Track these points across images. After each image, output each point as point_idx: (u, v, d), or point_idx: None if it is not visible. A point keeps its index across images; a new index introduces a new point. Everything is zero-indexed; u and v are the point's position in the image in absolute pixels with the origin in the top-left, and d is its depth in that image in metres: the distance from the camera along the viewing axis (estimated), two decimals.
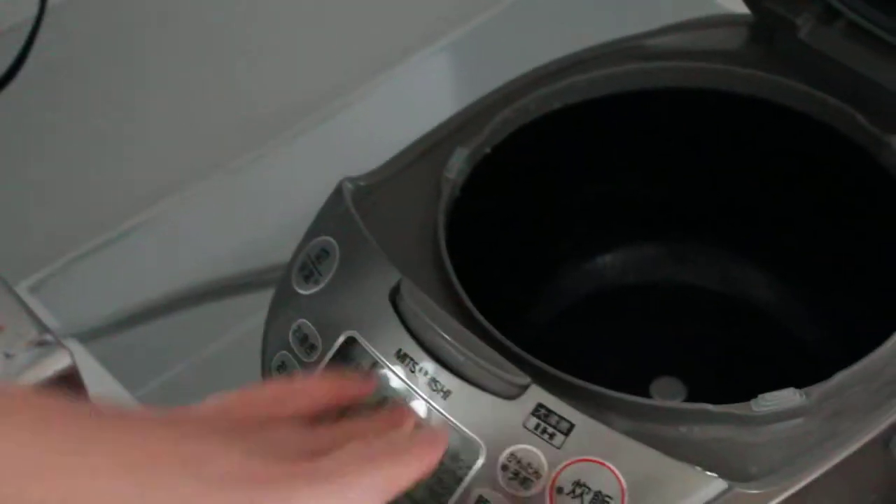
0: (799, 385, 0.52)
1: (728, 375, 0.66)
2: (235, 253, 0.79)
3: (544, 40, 0.73)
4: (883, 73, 0.62)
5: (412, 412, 0.50)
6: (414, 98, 0.85)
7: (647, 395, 0.66)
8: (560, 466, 0.48)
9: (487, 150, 0.62)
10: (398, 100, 0.86)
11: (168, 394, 0.76)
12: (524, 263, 0.69)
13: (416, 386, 0.51)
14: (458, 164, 0.60)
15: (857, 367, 0.52)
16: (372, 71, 0.87)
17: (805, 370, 0.53)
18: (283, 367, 0.54)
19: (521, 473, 0.49)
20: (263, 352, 0.56)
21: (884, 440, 0.52)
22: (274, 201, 0.78)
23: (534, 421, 0.49)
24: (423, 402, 0.51)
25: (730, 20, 0.67)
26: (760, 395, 0.51)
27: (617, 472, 0.48)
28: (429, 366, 0.51)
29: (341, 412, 0.51)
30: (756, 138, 0.66)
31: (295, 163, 0.82)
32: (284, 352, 0.54)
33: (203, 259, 0.78)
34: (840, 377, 0.52)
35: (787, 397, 0.51)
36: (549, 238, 0.70)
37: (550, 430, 0.49)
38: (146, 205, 0.79)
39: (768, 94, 0.64)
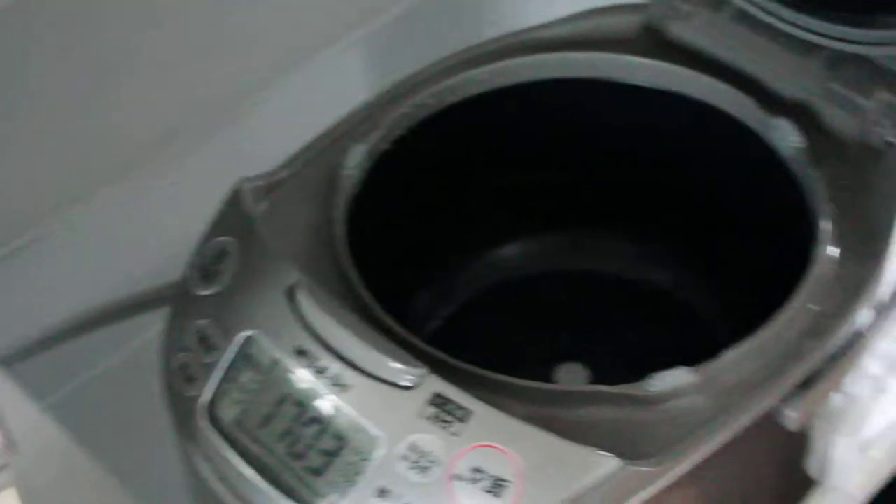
0: (698, 363, 0.53)
1: (630, 358, 0.67)
2: (142, 264, 0.78)
3: (451, 35, 0.74)
4: (771, 57, 0.63)
5: None
6: (322, 96, 0.85)
7: (550, 381, 0.67)
8: (457, 453, 0.49)
9: (386, 145, 0.63)
10: (305, 99, 0.86)
11: (79, 401, 0.76)
12: (426, 257, 0.70)
13: (316, 381, 0.52)
14: (355, 161, 0.61)
15: (745, 344, 0.53)
16: (277, 71, 0.86)
17: (704, 349, 0.54)
18: (183, 369, 0.55)
19: (420, 462, 0.49)
20: (164, 354, 0.56)
21: (774, 414, 0.53)
22: (179, 210, 0.77)
23: (431, 410, 0.50)
24: (324, 397, 0.51)
25: (624, 9, 0.68)
26: (652, 375, 0.52)
27: (513, 455, 0.49)
28: (327, 361, 0.51)
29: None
30: (651, 125, 0.67)
31: (201, 170, 0.82)
32: (184, 353, 0.55)
33: (106, 273, 0.78)
34: (730, 354, 0.53)
35: (678, 376, 0.52)
36: (450, 231, 0.71)
37: (448, 418, 0.50)
38: (45, 218, 0.78)
39: (661, 82, 0.65)
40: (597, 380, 0.54)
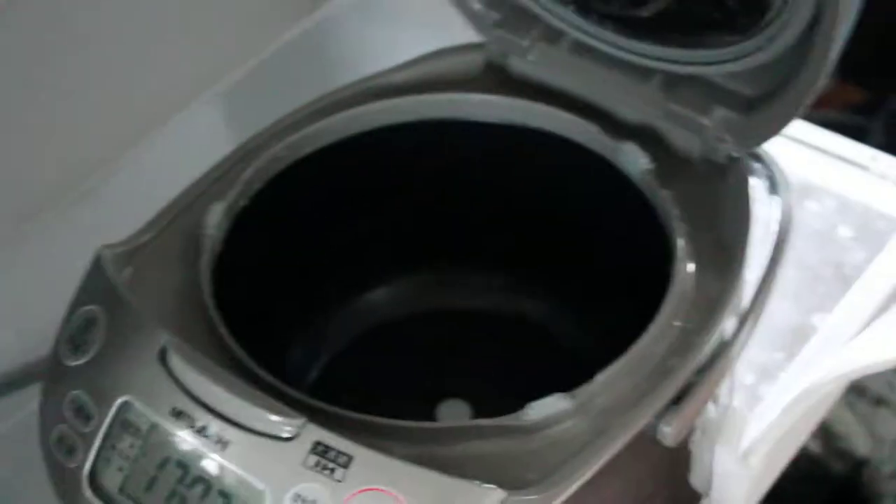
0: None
1: (509, 391, 0.67)
2: (8, 344, 0.77)
3: (304, 84, 0.74)
4: (611, 84, 0.65)
5: None
6: (179, 158, 0.85)
7: (433, 420, 0.67)
8: (343, 499, 0.49)
9: (244, 201, 0.63)
10: (162, 163, 0.86)
11: None
12: (295, 309, 0.70)
13: (195, 441, 0.51)
14: (214, 220, 0.61)
15: (616, 365, 0.54)
16: (131, 137, 0.86)
17: (580, 375, 0.55)
18: (61, 440, 0.54)
19: None
20: (41, 429, 0.56)
21: (651, 430, 0.54)
22: (44, 285, 0.77)
23: (313, 458, 0.50)
24: (204, 456, 0.51)
25: (466, 49, 0.69)
26: (528, 405, 0.53)
27: (399, 496, 0.49)
28: (205, 419, 0.51)
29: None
30: (504, 159, 0.68)
31: (62, 244, 0.81)
32: (61, 425, 0.54)
33: None
34: (602, 376, 0.54)
35: (553, 403, 0.53)
36: (318, 281, 0.71)
37: (331, 465, 0.50)
38: None
39: (508, 116, 0.66)
40: (479, 414, 0.55)
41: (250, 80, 0.91)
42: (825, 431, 1.08)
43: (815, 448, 1.07)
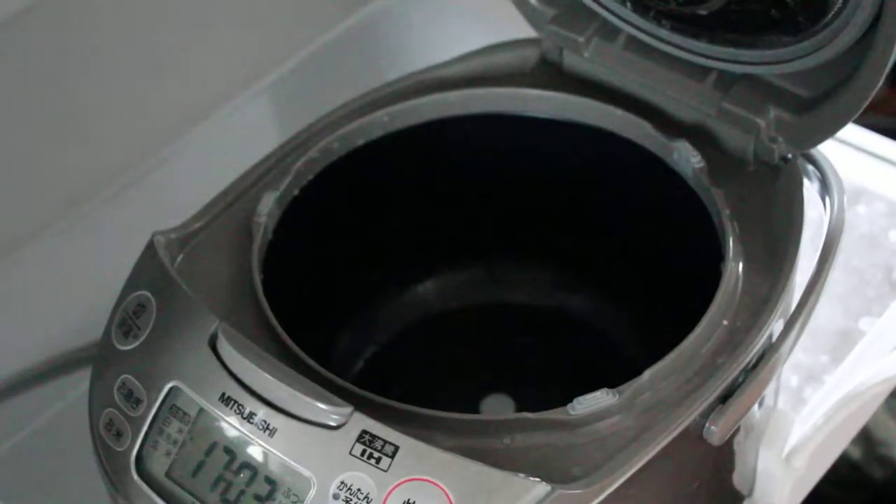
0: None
1: (553, 386, 0.68)
2: (61, 327, 0.78)
3: (354, 78, 0.75)
4: (665, 82, 0.65)
5: None
6: (231, 148, 0.86)
7: (476, 413, 0.68)
8: (389, 488, 0.49)
9: (296, 192, 0.63)
10: (214, 152, 0.87)
11: (8, 467, 0.76)
12: (345, 299, 0.71)
13: (243, 427, 0.52)
14: (266, 209, 0.61)
15: (664, 362, 0.54)
16: (184, 125, 0.87)
17: (624, 372, 0.55)
18: (110, 425, 0.55)
19: (352, 500, 0.50)
20: (90, 412, 0.56)
21: (697, 428, 0.54)
22: (96, 269, 0.77)
23: (359, 447, 0.50)
24: (251, 443, 0.52)
25: (519, 44, 0.69)
26: (576, 399, 0.53)
27: (444, 487, 0.49)
28: (253, 406, 0.52)
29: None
30: (555, 155, 0.68)
31: (115, 229, 0.82)
32: (111, 409, 0.55)
33: (24, 337, 0.78)
34: (649, 373, 0.54)
35: (600, 398, 0.53)
36: (367, 272, 0.71)
37: (377, 454, 0.50)
38: None
39: (560, 112, 0.66)
40: (522, 409, 0.55)
41: (301, 71, 0.91)
42: (866, 437, 1.08)
43: (856, 454, 1.07)
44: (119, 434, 0.54)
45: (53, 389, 0.76)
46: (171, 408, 0.53)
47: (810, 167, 0.63)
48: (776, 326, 0.57)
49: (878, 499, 1.10)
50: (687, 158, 0.62)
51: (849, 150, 0.86)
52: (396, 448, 0.50)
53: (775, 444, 0.62)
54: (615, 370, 0.57)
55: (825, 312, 0.79)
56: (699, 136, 0.64)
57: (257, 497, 0.51)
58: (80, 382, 0.66)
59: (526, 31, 0.69)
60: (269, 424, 0.51)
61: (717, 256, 0.59)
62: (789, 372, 0.76)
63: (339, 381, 0.54)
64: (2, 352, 0.76)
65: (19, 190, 0.79)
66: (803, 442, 0.67)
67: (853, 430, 0.78)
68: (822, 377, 0.76)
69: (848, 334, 0.78)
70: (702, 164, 0.62)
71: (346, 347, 0.71)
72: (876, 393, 0.73)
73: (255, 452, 0.52)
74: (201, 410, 0.53)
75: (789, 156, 0.62)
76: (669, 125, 0.64)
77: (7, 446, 0.77)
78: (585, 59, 0.67)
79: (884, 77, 0.57)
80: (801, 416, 0.71)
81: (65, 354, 0.75)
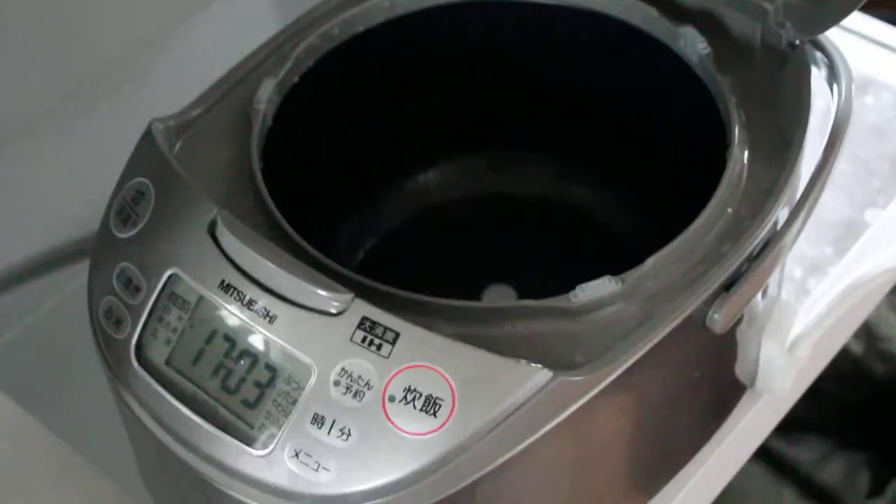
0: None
1: (555, 276, 0.67)
2: (60, 218, 0.78)
3: None
4: None
5: None
6: (228, 36, 0.84)
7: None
8: (389, 375, 0.49)
9: (295, 78, 0.62)
10: (212, 41, 0.86)
11: (8, 358, 0.76)
12: (345, 188, 0.70)
13: (243, 314, 0.51)
14: (266, 95, 0.60)
15: (667, 250, 0.54)
16: (181, 15, 0.86)
17: (627, 262, 0.55)
18: (110, 313, 0.54)
19: (352, 387, 0.49)
20: (90, 300, 0.56)
21: (700, 316, 0.54)
22: (93, 160, 0.77)
23: (360, 334, 0.50)
24: (252, 330, 0.51)
25: None
26: (578, 286, 0.53)
27: (445, 374, 0.49)
28: (253, 292, 0.51)
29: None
30: (558, 41, 0.67)
31: (113, 119, 0.81)
32: (110, 297, 0.55)
33: (23, 229, 0.77)
34: (652, 260, 0.54)
35: (602, 285, 0.53)
36: (368, 161, 0.71)
37: (377, 341, 0.50)
38: None
39: None
40: (524, 299, 0.54)
41: None
42: (868, 333, 1.08)
43: (857, 348, 1.07)
44: (118, 322, 0.54)
45: (53, 281, 0.76)
46: (170, 295, 0.53)
47: (818, 54, 0.62)
48: (781, 215, 0.57)
49: (878, 393, 1.11)
50: (693, 45, 0.61)
51: (858, 40, 0.85)
52: (397, 335, 0.50)
53: (778, 334, 0.62)
54: (618, 259, 0.56)
55: (830, 203, 0.78)
56: (705, 23, 0.63)
57: (258, 384, 0.51)
58: (78, 274, 0.66)
59: None
60: (269, 311, 0.51)
61: (723, 144, 0.58)
62: (793, 263, 0.76)
63: (340, 269, 0.53)
64: (1, 243, 0.76)
65: (15, 83, 0.78)
66: (806, 332, 0.67)
67: (856, 322, 0.78)
68: (827, 269, 0.75)
69: (853, 226, 0.78)
70: (708, 51, 0.61)
71: (347, 238, 0.70)
72: (879, 284, 0.73)
73: (255, 340, 0.51)
74: (201, 298, 0.53)
75: (797, 42, 0.61)
76: (675, 11, 0.63)
77: (7, 338, 0.77)
78: None
79: None
80: (804, 307, 0.70)
81: (63, 245, 0.75)
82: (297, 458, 0.50)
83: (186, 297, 0.53)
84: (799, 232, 0.57)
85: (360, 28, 0.65)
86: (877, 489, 1.10)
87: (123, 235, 0.55)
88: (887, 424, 1.12)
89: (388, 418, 0.49)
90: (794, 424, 0.88)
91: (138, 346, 0.54)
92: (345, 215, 0.71)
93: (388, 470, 0.49)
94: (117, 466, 0.64)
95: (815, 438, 1.12)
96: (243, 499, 0.52)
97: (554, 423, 0.50)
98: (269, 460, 0.51)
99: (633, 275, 0.53)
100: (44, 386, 0.72)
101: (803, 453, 1.11)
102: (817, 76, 0.62)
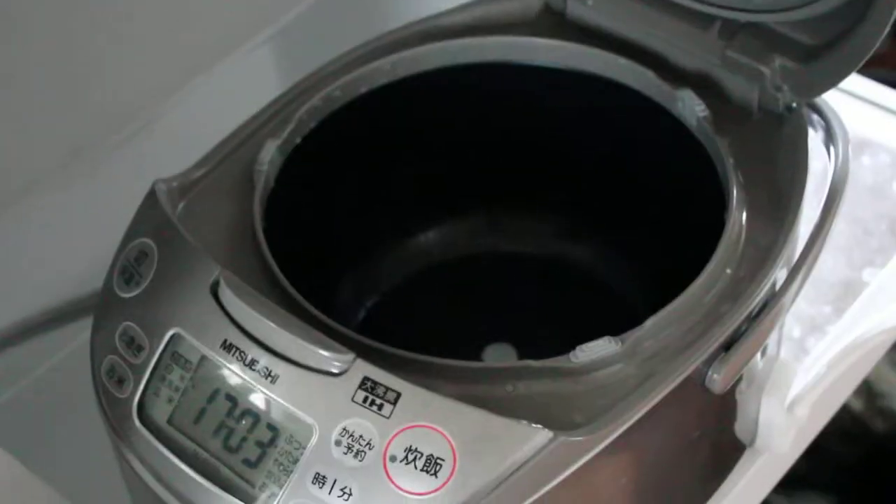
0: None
1: (555, 335, 0.67)
2: (64, 277, 0.78)
3: (355, 28, 0.75)
4: (669, 31, 0.64)
5: None
6: (232, 98, 0.85)
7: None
8: (391, 435, 0.50)
9: (298, 140, 0.63)
10: (215, 102, 0.86)
11: (9, 415, 0.76)
12: (346, 248, 0.70)
13: (245, 374, 0.52)
14: (268, 156, 0.61)
15: (666, 310, 0.54)
16: (185, 76, 0.86)
17: (626, 322, 0.55)
18: (112, 372, 0.55)
19: (354, 447, 0.50)
20: (92, 359, 0.56)
21: (699, 377, 0.54)
22: (97, 220, 0.77)
23: (361, 394, 0.50)
24: (253, 390, 0.52)
25: None
26: (578, 347, 0.53)
27: (446, 434, 0.49)
28: (255, 352, 0.52)
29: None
30: (557, 104, 0.68)
31: (117, 179, 0.82)
32: (112, 356, 0.55)
33: (27, 288, 0.78)
34: (652, 321, 0.54)
35: (602, 346, 0.53)
36: (368, 221, 0.71)
37: (378, 401, 0.50)
38: None
39: (563, 61, 0.66)
40: (524, 358, 0.54)
41: (305, 21, 0.91)
42: (868, 390, 1.08)
43: (857, 406, 1.07)
44: (121, 381, 0.54)
45: (56, 338, 0.76)
46: (172, 355, 0.53)
47: (815, 116, 0.63)
48: (779, 275, 0.57)
49: (878, 451, 1.10)
50: (691, 107, 0.62)
51: (854, 102, 0.86)
52: (398, 395, 0.50)
53: (778, 393, 0.62)
54: (617, 319, 0.57)
55: (828, 263, 0.79)
56: (703, 85, 0.63)
57: (259, 443, 0.51)
58: (81, 332, 0.66)
59: None
60: (271, 371, 0.51)
61: (721, 206, 0.59)
62: (792, 322, 0.76)
63: (341, 329, 0.54)
64: (4, 301, 0.76)
65: (20, 142, 0.78)
66: (806, 391, 0.67)
67: (855, 380, 0.78)
68: (825, 328, 0.76)
69: (851, 285, 0.78)
70: (706, 113, 0.62)
71: (348, 297, 0.71)
72: (879, 342, 0.73)
73: (257, 399, 0.52)
74: (203, 357, 0.53)
75: (794, 105, 0.62)
76: (673, 74, 0.64)
77: (9, 395, 0.77)
78: (589, 7, 0.66)
79: (889, 24, 0.57)
80: (803, 366, 0.71)
81: (66, 303, 0.75)
82: None
83: (189, 356, 0.53)
84: (797, 292, 0.58)
85: (363, 90, 0.65)
86: None
87: (126, 295, 0.56)
88: (888, 481, 1.12)
89: (390, 478, 0.49)
90: (794, 481, 0.88)
91: (140, 405, 0.54)
92: (346, 274, 0.71)
93: None
94: None
95: (816, 495, 1.11)
96: None
97: (554, 483, 0.51)
98: None
99: (632, 335, 0.54)
100: (46, 443, 0.73)
101: None
102: (814, 137, 0.62)
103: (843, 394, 0.77)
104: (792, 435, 0.64)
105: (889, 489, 1.12)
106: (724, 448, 0.64)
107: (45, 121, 0.79)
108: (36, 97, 0.79)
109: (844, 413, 1.04)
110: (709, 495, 0.64)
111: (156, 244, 0.56)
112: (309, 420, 0.51)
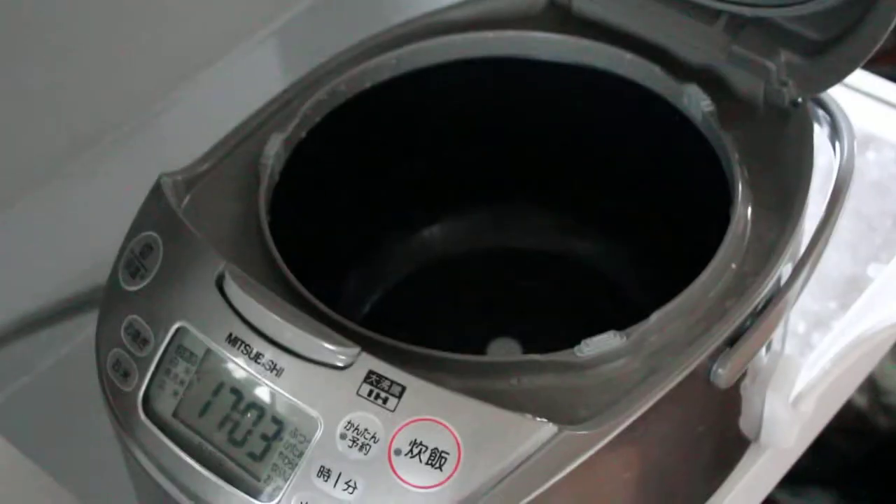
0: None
1: (560, 330, 0.67)
2: (68, 270, 0.78)
3: (361, 23, 0.75)
4: (674, 25, 0.64)
5: None
6: (238, 92, 0.85)
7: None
8: (395, 429, 0.50)
9: (303, 134, 0.63)
10: (221, 96, 0.86)
11: (15, 409, 0.76)
12: (351, 242, 0.70)
13: (250, 367, 0.52)
14: (273, 150, 0.61)
15: (671, 305, 0.54)
16: (191, 70, 0.87)
17: (632, 316, 0.55)
18: (117, 365, 0.55)
19: (358, 440, 0.50)
20: (97, 352, 0.56)
21: (704, 371, 0.54)
22: (102, 213, 0.77)
23: (366, 388, 0.50)
24: (258, 383, 0.52)
25: None
26: (583, 341, 0.53)
27: (451, 427, 0.49)
28: (260, 346, 0.52)
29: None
30: (562, 99, 0.68)
31: (121, 173, 0.82)
32: (118, 349, 0.55)
33: (31, 281, 0.78)
34: (657, 315, 0.54)
35: (607, 340, 0.53)
36: (373, 216, 0.71)
37: (383, 394, 0.50)
38: None
39: (568, 56, 0.66)
40: (529, 353, 0.55)
41: (309, 16, 0.91)
42: (872, 386, 1.08)
43: (862, 402, 1.07)
44: (126, 374, 0.54)
45: (61, 332, 0.76)
46: (178, 348, 0.53)
47: (820, 112, 0.63)
48: (784, 271, 0.57)
49: (883, 447, 1.10)
50: (697, 102, 0.62)
51: (859, 97, 0.86)
52: (403, 388, 0.50)
53: (782, 388, 0.62)
54: (622, 314, 0.57)
55: (833, 259, 0.78)
56: (709, 80, 0.63)
57: (264, 437, 0.51)
58: (86, 325, 0.66)
59: None
60: (276, 364, 0.51)
61: (726, 201, 0.59)
62: (797, 318, 0.76)
63: (347, 322, 0.54)
64: (10, 295, 0.77)
65: (25, 137, 0.78)
66: (810, 386, 0.67)
67: (860, 375, 0.78)
68: (830, 323, 0.76)
69: (856, 281, 0.78)
70: (712, 108, 0.62)
71: (353, 292, 0.71)
72: (883, 338, 0.73)
73: (262, 392, 0.52)
74: (208, 351, 0.53)
75: (799, 100, 0.62)
76: (679, 69, 0.64)
77: (15, 388, 0.77)
78: (594, 1, 0.66)
79: (895, 20, 0.57)
80: (808, 362, 0.71)
81: (71, 297, 0.75)
82: None
83: (194, 349, 0.53)
84: (802, 287, 0.58)
85: (368, 84, 0.65)
86: None
87: (132, 288, 0.56)
88: (892, 476, 1.12)
89: (394, 471, 0.49)
90: (798, 477, 0.88)
91: (145, 398, 0.54)
92: (352, 268, 0.71)
93: None
94: None
95: (820, 491, 1.11)
96: None
97: (558, 477, 0.51)
98: None
99: (637, 330, 0.54)
100: (50, 437, 0.73)
101: None
102: (819, 133, 0.62)
103: (847, 389, 0.77)
104: (796, 430, 0.64)
105: (893, 485, 1.12)
106: (728, 443, 0.64)
107: (49, 115, 0.79)
108: (41, 91, 0.79)
109: (849, 409, 1.04)
110: (713, 490, 0.64)
111: (161, 238, 0.56)
112: (314, 413, 0.51)
